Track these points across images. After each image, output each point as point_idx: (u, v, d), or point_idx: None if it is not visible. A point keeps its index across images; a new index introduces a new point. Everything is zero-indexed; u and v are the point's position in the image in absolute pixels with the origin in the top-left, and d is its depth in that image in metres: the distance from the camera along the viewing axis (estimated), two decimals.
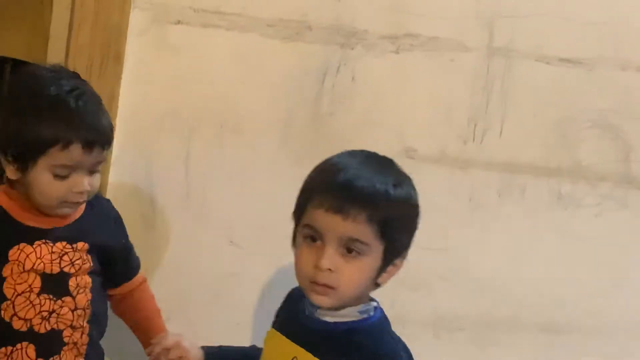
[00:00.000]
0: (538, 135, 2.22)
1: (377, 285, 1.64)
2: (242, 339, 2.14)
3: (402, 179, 1.64)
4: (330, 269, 1.55)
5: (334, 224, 1.55)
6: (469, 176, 2.20)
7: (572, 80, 2.20)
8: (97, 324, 1.83)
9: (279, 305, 1.76)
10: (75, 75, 1.75)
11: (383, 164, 1.65)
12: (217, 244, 2.12)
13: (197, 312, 2.15)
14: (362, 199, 1.54)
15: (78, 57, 1.98)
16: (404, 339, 2.22)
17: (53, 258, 1.73)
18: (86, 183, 1.69)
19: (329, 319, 1.62)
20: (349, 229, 1.54)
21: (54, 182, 1.67)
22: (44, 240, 1.73)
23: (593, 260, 2.28)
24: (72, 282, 1.76)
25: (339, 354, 1.59)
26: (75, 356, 1.80)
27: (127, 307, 1.91)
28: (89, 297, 1.79)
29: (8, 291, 1.70)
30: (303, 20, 2.08)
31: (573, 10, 2.16)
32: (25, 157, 1.65)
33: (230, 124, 2.09)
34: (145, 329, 1.90)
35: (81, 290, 1.78)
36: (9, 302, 1.70)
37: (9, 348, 1.72)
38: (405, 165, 2.15)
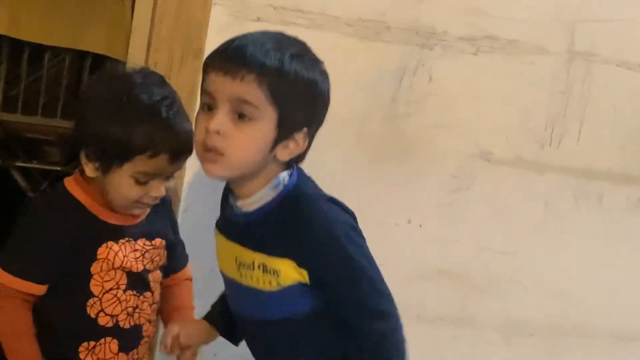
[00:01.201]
0: (617, 141, 2.19)
1: (277, 160, 1.59)
2: None
3: (305, 58, 1.59)
4: (218, 132, 1.52)
5: (224, 85, 1.52)
6: (545, 181, 2.19)
7: None
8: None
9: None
10: (162, 80, 1.77)
11: (290, 43, 1.60)
12: None
13: None
14: (251, 61, 1.51)
15: (159, 52, 2.00)
16: (473, 341, 2.23)
17: (137, 256, 1.76)
18: (163, 189, 1.72)
19: (247, 208, 1.60)
20: (237, 89, 1.51)
21: (134, 186, 1.69)
22: (127, 239, 1.75)
23: None
24: (151, 278, 1.79)
25: (273, 239, 1.57)
26: (147, 349, 1.83)
27: (164, 297, 1.89)
28: (159, 291, 1.83)
29: (96, 288, 1.73)
30: (382, 20, 2.08)
31: None
32: (111, 160, 1.67)
33: None
34: (173, 319, 1.87)
35: (157, 285, 1.82)
36: (96, 298, 1.73)
37: (92, 343, 1.74)
38: (482, 167, 2.16)
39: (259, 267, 1.59)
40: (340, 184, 2.12)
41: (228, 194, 1.67)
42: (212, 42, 2.01)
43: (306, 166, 2.10)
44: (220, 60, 1.54)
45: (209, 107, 1.55)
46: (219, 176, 1.58)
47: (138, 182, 1.68)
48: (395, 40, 2.09)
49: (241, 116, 1.52)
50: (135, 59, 2.06)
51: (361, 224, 2.12)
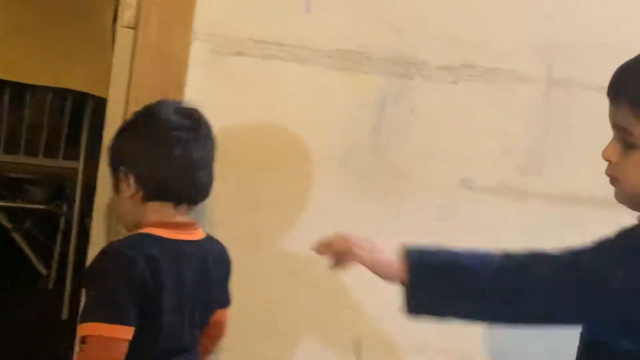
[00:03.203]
0: (598, 167, 2.19)
1: None
2: None
3: None
4: (609, 160, 1.54)
5: (610, 112, 1.53)
6: (528, 208, 2.19)
7: None
8: None
9: None
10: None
11: None
12: (275, 274, 2.13)
13: (255, 344, 2.15)
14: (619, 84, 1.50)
15: (140, 89, 2.00)
16: None
17: None
18: None
19: None
20: (618, 116, 1.51)
21: None
22: None
23: None
24: None
25: None
26: None
27: None
28: None
29: None
30: (362, 51, 2.09)
31: (634, 41, 2.14)
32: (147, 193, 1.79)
33: (290, 155, 2.10)
34: None
35: None
36: None
37: None
38: (465, 196, 2.16)
39: None
40: (324, 216, 2.13)
41: None
42: (193, 77, 2.03)
43: (291, 199, 2.11)
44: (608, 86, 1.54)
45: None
46: (619, 202, 1.58)
47: None
48: (375, 70, 2.10)
49: (628, 145, 1.51)
50: (116, 96, 2.06)
51: None
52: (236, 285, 2.11)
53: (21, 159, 3.69)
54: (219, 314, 1.92)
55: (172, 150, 1.77)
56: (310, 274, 2.13)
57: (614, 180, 1.56)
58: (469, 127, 2.16)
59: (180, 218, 1.81)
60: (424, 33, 2.11)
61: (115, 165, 1.81)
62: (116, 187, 1.81)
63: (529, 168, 2.18)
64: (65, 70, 3.43)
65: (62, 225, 3.88)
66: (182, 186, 1.80)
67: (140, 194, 1.77)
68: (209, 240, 1.88)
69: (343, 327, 2.16)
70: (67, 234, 3.79)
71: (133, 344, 1.69)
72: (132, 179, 1.77)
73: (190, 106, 1.85)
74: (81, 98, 3.62)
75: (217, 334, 1.97)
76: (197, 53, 2.03)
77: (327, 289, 2.14)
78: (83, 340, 1.68)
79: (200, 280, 1.82)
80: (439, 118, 2.14)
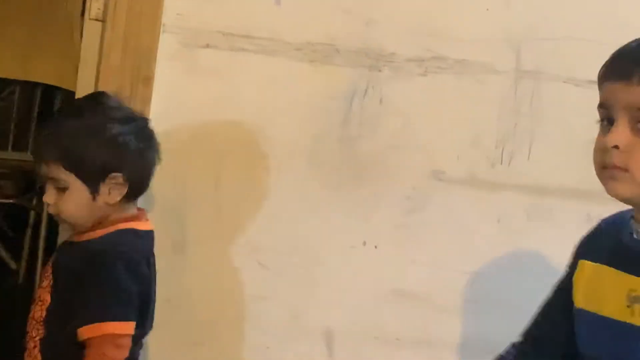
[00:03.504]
0: (567, 157, 2.21)
1: None
2: None
3: None
4: (617, 146, 1.35)
5: (617, 92, 1.36)
6: (498, 199, 2.20)
7: None
8: None
9: (583, 239, 1.57)
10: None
11: None
12: (246, 267, 2.12)
13: (227, 336, 2.15)
14: None
15: (108, 81, 2.00)
16: None
17: None
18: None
19: None
20: (634, 96, 1.34)
21: None
22: None
23: None
24: None
25: None
26: None
27: None
28: None
29: None
30: (331, 43, 2.09)
31: (602, 33, 2.16)
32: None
33: (259, 147, 2.10)
34: None
35: None
36: None
37: None
38: (435, 188, 2.17)
39: None
40: (294, 209, 2.13)
41: (619, 223, 1.48)
42: (162, 70, 2.02)
43: (261, 191, 2.11)
44: (613, 66, 1.40)
45: (607, 121, 1.40)
46: (624, 194, 1.38)
47: None
48: (344, 63, 2.10)
49: None
50: (84, 89, 2.05)
51: (317, 248, 2.14)
52: (206, 277, 2.12)
53: None
54: None
55: (153, 150, 1.84)
56: (280, 265, 2.13)
57: (618, 172, 1.37)
58: (438, 119, 2.16)
59: (135, 209, 1.86)
60: (393, 25, 2.11)
61: (100, 172, 1.77)
62: (93, 191, 1.78)
63: (499, 159, 2.19)
64: (33, 63, 3.41)
65: (31, 219, 3.85)
66: (149, 181, 1.86)
67: (123, 195, 1.80)
68: None
69: (314, 318, 2.16)
70: (36, 228, 3.77)
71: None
72: (123, 184, 1.78)
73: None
74: (50, 91, 3.60)
75: None
76: (166, 46, 2.03)
77: (298, 280, 2.14)
78: (92, 339, 1.72)
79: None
80: (408, 110, 2.14)
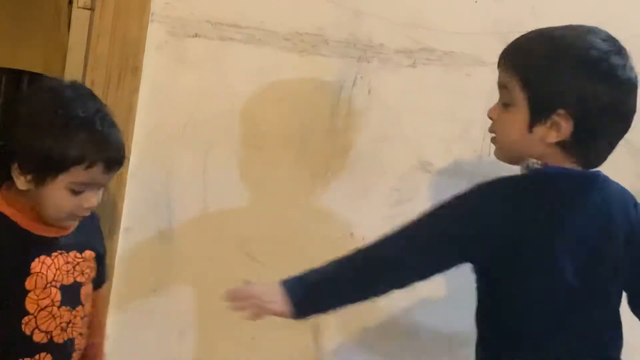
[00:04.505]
0: None
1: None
2: (258, 353, 2.15)
3: None
4: (491, 117, 1.75)
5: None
6: None
7: None
8: None
9: None
10: (92, 94, 1.78)
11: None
12: (234, 257, 2.12)
13: (213, 326, 2.15)
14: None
15: (96, 71, 1.99)
16: (416, 352, 2.23)
17: (68, 269, 1.76)
18: (95, 200, 1.72)
19: None
20: (500, 78, 1.74)
21: (69, 197, 1.68)
22: (59, 251, 1.74)
23: None
24: (82, 291, 1.79)
25: None
26: None
27: None
28: (90, 304, 1.83)
29: (31, 306, 1.71)
30: (319, 34, 2.09)
31: (589, 24, 2.16)
32: (45, 172, 1.66)
33: (247, 138, 2.10)
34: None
35: (88, 298, 1.82)
36: (31, 316, 1.71)
37: (27, 359, 1.72)
38: (423, 179, 2.17)
39: None
40: (283, 200, 2.13)
41: None
42: (150, 59, 2.02)
43: (249, 182, 2.11)
44: None
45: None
46: (498, 158, 1.76)
47: (73, 193, 1.68)
48: (333, 53, 2.10)
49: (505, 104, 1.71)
50: (72, 78, 2.04)
51: (305, 239, 2.14)
52: (193, 267, 2.12)
53: None
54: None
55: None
56: (268, 255, 2.13)
57: (493, 138, 1.74)
58: (426, 110, 2.17)
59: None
60: (381, 16, 2.11)
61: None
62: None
63: (486, 151, 2.19)
64: (20, 51, 3.39)
65: None
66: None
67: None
68: None
69: None
70: None
71: None
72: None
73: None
74: (36, 79, 3.58)
75: None
76: (154, 35, 2.02)
77: (287, 272, 2.14)
78: None
79: None
80: (396, 101, 2.15)
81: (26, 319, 1.71)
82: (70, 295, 1.76)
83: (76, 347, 1.80)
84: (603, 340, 1.73)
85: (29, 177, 1.67)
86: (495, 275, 1.70)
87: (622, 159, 1.83)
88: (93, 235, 1.85)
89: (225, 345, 2.15)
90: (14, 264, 1.70)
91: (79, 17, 2.05)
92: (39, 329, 1.72)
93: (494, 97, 2.10)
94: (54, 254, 1.73)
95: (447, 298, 2.22)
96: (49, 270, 1.72)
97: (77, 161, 1.65)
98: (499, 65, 1.74)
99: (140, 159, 2.03)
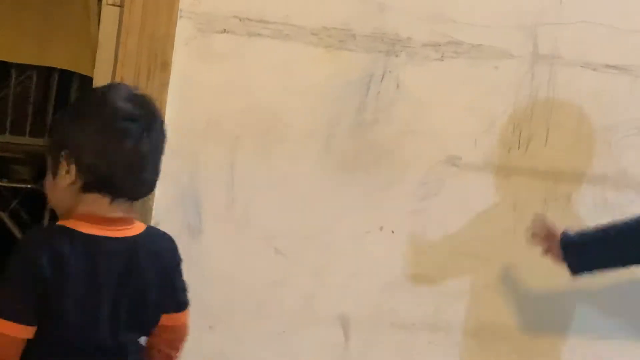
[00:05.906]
0: (583, 142, 2.21)
1: None
2: (286, 348, 2.15)
3: None
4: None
5: None
6: (514, 184, 2.20)
7: (618, 87, 2.19)
8: None
9: None
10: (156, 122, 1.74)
11: None
12: (261, 252, 2.13)
13: (242, 320, 2.15)
14: None
15: (125, 67, 2.00)
16: (446, 346, 2.23)
17: None
18: None
19: None
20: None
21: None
22: None
23: None
24: None
25: None
26: None
27: None
28: None
29: None
30: (347, 28, 2.09)
31: (618, 17, 2.15)
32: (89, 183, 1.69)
33: (274, 133, 2.10)
34: None
35: None
36: None
37: None
38: (450, 173, 2.16)
39: None
40: (309, 194, 2.13)
41: None
42: (179, 55, 2.03)
43: (276, 176, 2.12)
44: None
45: None
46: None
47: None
48: (360, 48, 2.10)
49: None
50: (102, 74, 2.06)
51: (333, 233, 2.14)
52: (221, 262, 2.12)
53: (7, 138, 3.68)
54: (172, 318, 1.82)
55: (122, 143, 1.66)
56: (296, 252, 2.14)
57: None
58: (454, 104, 2.16)
59: (113, 213, 1.70)
60: (409, 10, 2.11)
61: (56, 147, 1.69)
62: (54, 171, 1.71)
63: (515, 144, 2.18)
64: (50, 48, 3.41)
65: (48, 204, 3.87)
66: (126, 182, 1.69)
67: (80, 183, 1.68)
68: (148, 235, 1.77)
69: (329, 303, 2.17)
70: (53, 212, 3.78)
71: (37, 341, 1.66)
72: (73, 167, 1.67)
73: (142, 94, 1.75)
74: (67, 76, 3.61)
75: (174, 338, 1.87)
76: (183, 31, 2.03)
77: (314, 267, 2.15)
78: None
79: (127, 278, 1.71)
80: (424, 95, 2.14)
81: None
82: None
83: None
84: None
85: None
86: None
87: None
88: None
89: (254, 340, 2.16)
90: None
91: (109, 14, 2.06)
92: None
93: (522, 89, 2.10)
94: None
95: (474, 295, 2.23)
96: None
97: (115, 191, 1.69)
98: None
99: (169, 154, 2.02)
